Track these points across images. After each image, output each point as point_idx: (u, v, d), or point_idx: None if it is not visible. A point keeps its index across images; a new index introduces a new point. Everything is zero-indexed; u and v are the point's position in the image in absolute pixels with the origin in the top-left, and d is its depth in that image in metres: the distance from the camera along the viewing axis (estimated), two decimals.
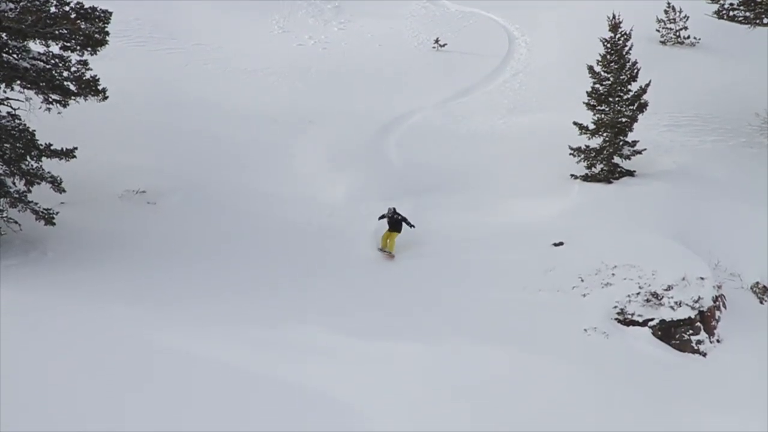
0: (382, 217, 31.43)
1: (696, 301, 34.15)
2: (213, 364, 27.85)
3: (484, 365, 29.76)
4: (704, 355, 33.23)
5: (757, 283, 37.08)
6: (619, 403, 29.14)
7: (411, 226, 30.69)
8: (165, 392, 26.08)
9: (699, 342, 33.49)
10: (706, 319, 34.03)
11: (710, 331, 33.98)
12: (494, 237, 38.91)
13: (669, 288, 34.44)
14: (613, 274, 35.32)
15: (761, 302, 36.49)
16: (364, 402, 26.81)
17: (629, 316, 33.92)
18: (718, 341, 33.90)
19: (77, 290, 31.43)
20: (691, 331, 33.59)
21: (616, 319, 33.89)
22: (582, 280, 35.45)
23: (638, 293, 34.46)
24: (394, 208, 30.08)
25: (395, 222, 30.91)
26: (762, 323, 34.93)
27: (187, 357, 28.15)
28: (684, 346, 33.35)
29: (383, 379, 28.12)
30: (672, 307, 33.93)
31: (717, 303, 34.84)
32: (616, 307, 34.17)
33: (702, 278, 34.88)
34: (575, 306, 34.26)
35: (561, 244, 37.93)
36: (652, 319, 33.81)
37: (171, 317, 30.71)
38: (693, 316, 33.78)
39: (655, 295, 34.30)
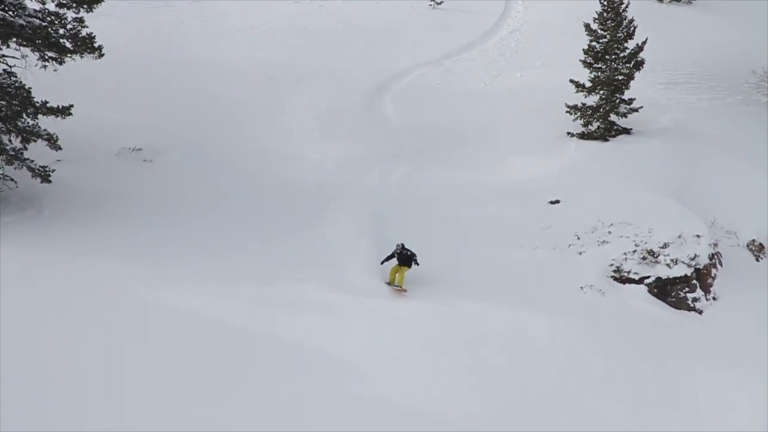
0: (389, 257, 29.61)
1: (692, 259, 33.96)
2: (210, 322, 27.65)
3: (482, 322, 29.61)
4: (700, 312, 33.12)
5: (753, 240, 36.88)
6: (615, 360, 28.99)
7: (416, 263, 29.47)
8: (163, 348, 25.90)
9: (695, 300, 33.36)
10: (702, 277, 33.86)
11: (706, 289, 33.82)
12: (491, 195, 38.65)
13: (665, 246, 34.26)
14: (609, 232, 35.11)
15: (757, 260, 36.32)
16: (361, 359, 26.63)
17: (625, 274, 33.75)
18: (714, 299, 33.74)
19: (74, 247, 31.08)
20: (687, 289, 33.45)
21: (612, 276, 33.72)
22: (578, 238, 35.23)
23: (634, 251, 34.27)
24: (403, 244, 28.71)
25: (405, 258, 29.39)
26: (758, 281, 34.80)
27: (184, 314, 27.94)
28: (680, 304, 33.23)
29: (380, 335, 27.95)
30: (668, 265, 33.76)
31: (713, 261, 34.64)
32: (612, 264, 33.99)
33: (698, 236, 34.66)
34: (571, 264, 34.09)
35: (557, 202, 37.74)
36: (648, 277, 33.66)
37: (168, 274, 30.38)
38: (689, 274, 33.62)
39: (651, 252, 34.12)
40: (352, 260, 32.77)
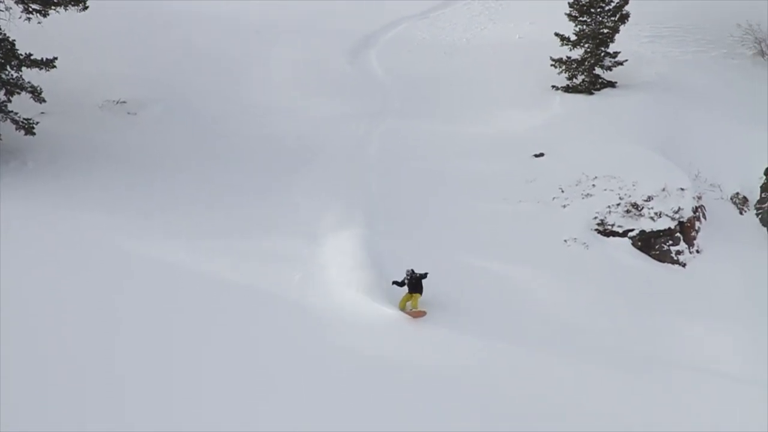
0: (401, 283, 27.87)
1: (676, 212, 33.75)
2: (192, 275, 27.67)
3: (466, 275, 29.54)
4: (684, 265, 32.87)
5: (737, 193, 36.64)
6: (599, 312, 28.89)
7: (424, 276, 28.26)
8: (147, 299, 26.09)
9: (678, 252, 33.12)
10: (685, 230, 33.64)
11: (690, 242, 33.58)
12: (476, 148, 38.29)
13: (649, 199, 34.04)
14: (593, 185, 34.86)
15: (741, 213, 36.09)
16: (345, 313, 26.66)
17: (609, 227, 33.51)
18: (697, 252, 33.51)
19: (58, 199, 30.83)
20: (670, 242, 33.22)
21: (596, 229, 33.46)
22: (562, 191, 34.97)
23: (618, 204, 34.04)
24: (413, 270, 27.19)
25: (416, 283, 27.66)
26: (741, 233, 34.61)
27: (168, 267, 27.95)
28: (663, 257, 33.01)
29: (365, 286, 27.93)
30: (652, 218, 33.54)
31: (697, 214, 34.43)
32: (596, 217, 33.73)
33: (682, 189, 34.45)
34: (555, 217, 33.83)
35: (542, 155, 37.40)
36: (632, 230, 33.42)
37: (151, 227, 30.22)
38: (673, 227, 33.42)
39: (635, 205, 33.89)
40: (331, 214, 32.44)
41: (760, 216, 35.54)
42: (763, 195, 35.80)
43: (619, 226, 33.47)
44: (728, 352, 28.06)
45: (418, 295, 27.09)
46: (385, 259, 29.73)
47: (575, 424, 23.85)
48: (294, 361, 24.50)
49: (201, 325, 25.46)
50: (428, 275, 27.60)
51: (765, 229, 34.99)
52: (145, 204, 31.80)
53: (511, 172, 36.13)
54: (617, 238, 33.22)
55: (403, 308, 26.96)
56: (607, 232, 33.39)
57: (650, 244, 33.26)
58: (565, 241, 32.47)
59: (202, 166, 35.46)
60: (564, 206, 34.29)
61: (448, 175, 36.17)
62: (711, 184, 36.61)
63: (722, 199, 36.34)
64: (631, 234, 33.33)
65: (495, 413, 23.69)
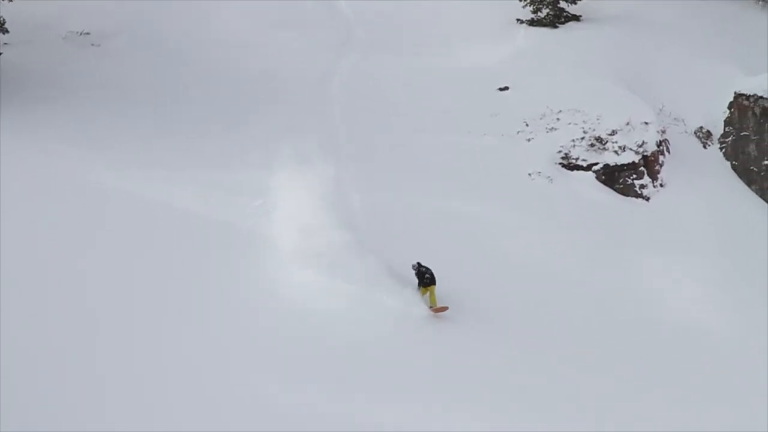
0: (422, 279, 26.51)
1: (640, 146, 33.52)
2: (163, 207, 27.41)
3: (432, 216, 29.28)
4: (647, 199, 32.80)
5: (701, 127, 36.39)
6: (563, 246, 28.87)
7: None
8: (119, 232, 25.86)
9: (642, 186, 33.00)
10: (649, 164, 33.46)
11: (654, 176, 33.41)
12: (441, 80, 37.76)
13: (613, 133, 33.79)
14: (557, 119, 34.55)
15: (704, 147, 35.88)
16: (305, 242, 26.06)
17: (573, 161, 33.29)
18: (661, 185, 33.35)
19: (25, 133, 30.03)
20: (634, 176, 33.08)
21: (560, 163, 33.27)
22: (527, 125, 34.64)
23: (582, 138, 33.78)
24: (419, 263, 25.75)
25: (427, 275, 26.17)
26: (705, 167, 34.53)
27: (138, 199, 27.61)
28: (627, 191, 32.90)
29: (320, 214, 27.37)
30: (616, 152, 33.33)
31: (661, 147, 34.16)
32: (560, 151, 33.50)
33: (646, 123, 34.18)
34: (520, 150, 33.57)
35: (506, 88, 36.96)
36: (596, 164, 33.23)
37: (121, 160, 29.59)
38: (637, 161, 33.23)
39: (599, 139, 33.63)
40: (293, 147, 31.74)
41: (723, 150, 35.44)
42: (726, 129, 35.63)
43: (583, 160, 33.25)
44: (691, 284, 28.25)
45: (432, 287, 25.52)
46: (349, 193, 29.53)
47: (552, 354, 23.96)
48: (249, 286, 24.40)
49: (163, 253, 25.27)
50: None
51: (728, 162, 34.95)
52: (112, 137, 31.17)
53: (476, 106, 35.70)
54: (581, 172, 33.04)
55: (433, 304, 25.20)
56: (571, 165, 33.17)
57: (614, 177, 33.10)
58: (530, 174, 32.28)
59: (165, 98, 34.86)
60: (528, 140, 34.02)
61: (413, 108, 35.69)
62: (675, 119, 36.38)
63: (686, 133, 36.12)
64: (595, 168, 33.15)
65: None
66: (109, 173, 28.61)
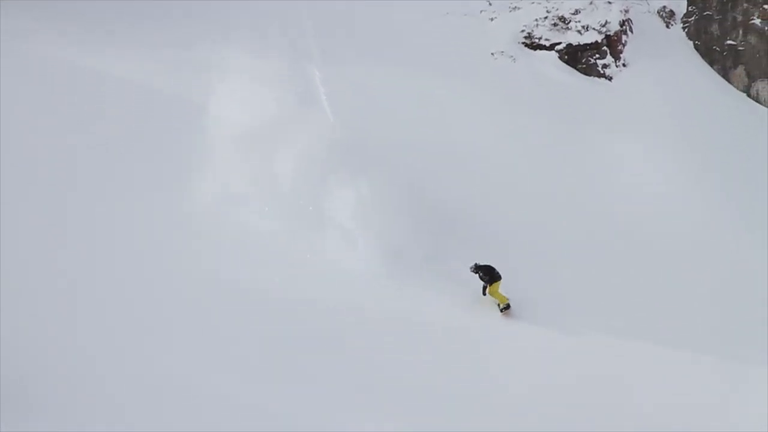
0: (484, 283, 24.28)
1: (603, 26, 32.92)
2: (129, 84, 26.98)
3: (389, 86, 28.87)
4: (610, 79, 32.35)
5: (664, 7, 35.63)
6: (526, 124, 28.55)
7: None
8: (84, 107, 25.57)
9: (605, 66, 32.49)
10: (612, 44, 32.90)
11: (616, 56, 32.88)
12: None
13: (576, 12, 33.12)
14: None
15: (667, 26, 35.18)
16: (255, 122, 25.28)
17: (536, 40, 32.68)
18: (624, 65, 32.85)
19: None
20: (597, 55, 32.52)
21: (523, 43, 32.65)
22: (490, 4, 33.93)
23: (546, 17, 33.13)
24: (476, 264, 23.67)
25: (486, 273, 23.96)
26: (668, 47, 33.87)
27: (106, 77, 27.17)
28: (590, 70, 32.40)
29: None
30: (579, 32, 32.75)
31: (624, 27, 33.57)
32: (523, 31, 32.87)
33: (609, 2, 33.56)
34: (483, 30, 32.88)
35: None
36: (558, 43, 32.63)
37: (92, 39, 28.73)
38: (599, 41, 32.64)
39: (562, 19, 33.00)
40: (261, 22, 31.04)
41: (686, 30, 34.87)
42: (689, 8, 35.00)
43: (546, 40, 32.71)
44: (651, 165, 28.21)
45: (496, 283, 23.89)
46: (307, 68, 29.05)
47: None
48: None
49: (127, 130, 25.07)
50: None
51: (691, 42, 34.40)
52: (83, 15, 30.13)
53: None
54: (544, 52, 32.54)
55: (501, 302, 23.24)
56: (534, 45, 32.65)
57: (577, 57, 32.62)
58: (493, 54, 31.78)
59: None
60: (491, 19, 33.44)
61: None
62: None
63: (649, 12, 35.40)
64: (558, 47, 32.64)
65: None
66: (81, 51, 28.08)
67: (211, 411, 17.00)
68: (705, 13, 34.33)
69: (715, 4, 34.09)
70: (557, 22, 32.94)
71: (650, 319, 21.78)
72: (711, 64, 33.72)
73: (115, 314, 19.13)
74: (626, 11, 34.10)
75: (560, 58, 32.48)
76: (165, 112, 25.98)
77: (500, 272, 22.35)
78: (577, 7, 33.23)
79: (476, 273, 22.44)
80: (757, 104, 32.38)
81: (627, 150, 28.52)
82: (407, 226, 22.88)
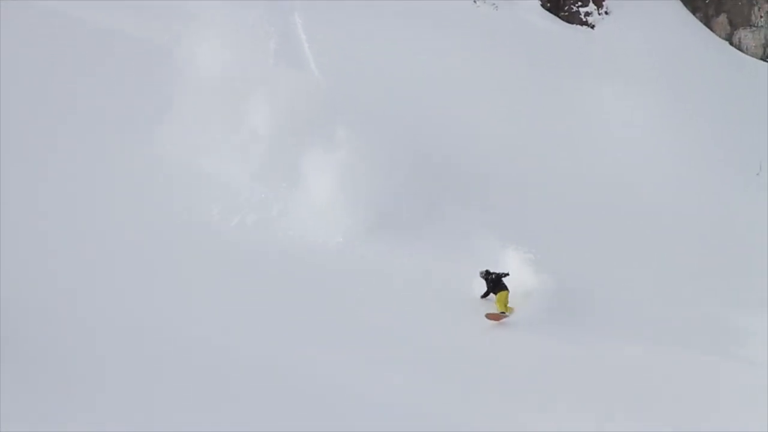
0: (486, 292, 23.25)
1: None
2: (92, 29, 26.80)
3: (373, 35, 28.68)
4: (592, 27, 32.06)
5: None
6: (508, 74, 28.44)
7: (506, 274, 23.81)
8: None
9: (587, 14, 32.19)
10: None
11: (599, 3, 32.54)
12: None
13: None
14: None
15: None
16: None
17: None
18: (606, 13, 32.46)
19: None
20: (579, 3, 32.27)
21: None
22: None
23: None
24: (487, 270, 22.79)
25: (497, 282, 23.07)
26: None
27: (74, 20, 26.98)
28: (572, 18, 32.16)
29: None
30: None
31: None
32: None
33: None
34: None
35: None
36: None
37: None
38: None
39: None
40: None
41: None
42: None
43: None
44: (635, 114, 28.29)
45: (504, 293, 22.25)
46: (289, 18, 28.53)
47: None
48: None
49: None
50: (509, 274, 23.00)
51: None
52: None
53: None
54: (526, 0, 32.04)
55: (506, 311, 22.36)
56: None
57: (559, 5, 32.35)
58: (475, 1, 31.31)
59: None
60: None
61: None
62: None
63: None
64: None
65: None
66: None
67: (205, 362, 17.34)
68: None
69: None
70: None
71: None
72: (693, 12, 33.38)
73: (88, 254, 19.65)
74: None
75: (542, 5, 32.12)
76: (143, 62, 25.89)
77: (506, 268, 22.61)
78: None
79: (485, 278, 22.12)
80: (739, 52, 32.20)
81: (611, 97, 28.57)
82: (398, 181, 22.79)
